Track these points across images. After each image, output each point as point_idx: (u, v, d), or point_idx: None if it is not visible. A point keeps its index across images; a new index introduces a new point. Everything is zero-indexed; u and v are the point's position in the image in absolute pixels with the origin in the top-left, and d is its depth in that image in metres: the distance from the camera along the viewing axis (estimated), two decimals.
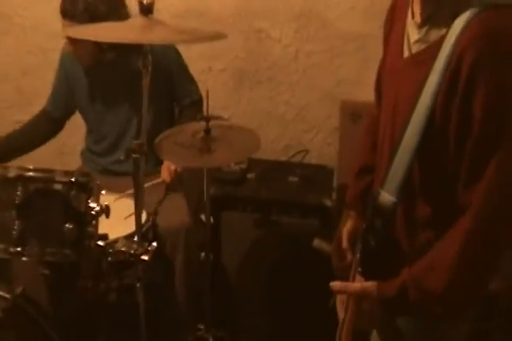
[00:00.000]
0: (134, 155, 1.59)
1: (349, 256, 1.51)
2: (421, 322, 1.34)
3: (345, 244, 1.54)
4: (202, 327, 2.17)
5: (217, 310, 2.24)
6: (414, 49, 1.23)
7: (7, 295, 1.65)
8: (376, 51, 1.47)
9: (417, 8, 1.24)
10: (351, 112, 2.52)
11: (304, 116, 2.78)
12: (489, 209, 1.11)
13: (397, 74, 1.30)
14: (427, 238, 1.27)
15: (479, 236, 1.13)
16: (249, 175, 2.54)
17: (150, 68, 1.50)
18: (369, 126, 1.59)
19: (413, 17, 1.25)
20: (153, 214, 1.99)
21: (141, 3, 1.46)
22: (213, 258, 2.14)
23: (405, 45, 1.28)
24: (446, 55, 1.12)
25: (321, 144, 2.80)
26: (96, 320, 1.92)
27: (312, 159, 2.77)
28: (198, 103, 2.35)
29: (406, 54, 1.27)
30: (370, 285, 1.28)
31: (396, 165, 1.25)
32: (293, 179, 2.51)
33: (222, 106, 2.77)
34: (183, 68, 2.35)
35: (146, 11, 1.47)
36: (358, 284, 1.32)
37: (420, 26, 1.21)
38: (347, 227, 1.58)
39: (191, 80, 2.39)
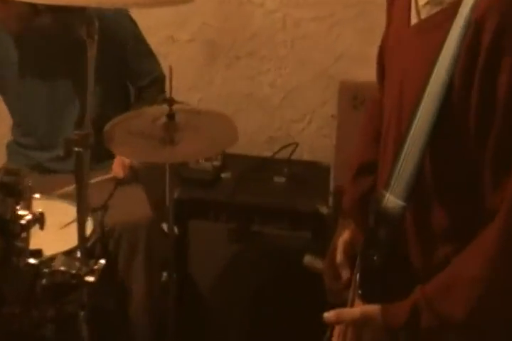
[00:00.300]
0: (75, 149, 1.61)
1: (345, 275, 1.53)
2: None
3: (340, 259, 1.56)
4: None
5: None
6: (424, 13, 1.26)
7: None
8: (383, 19, 1.49)
9: None
10: (352, 96, 2.53)
11: (293, 100, 2.81)
12: None
13: (404, 45, 1.32)
14: (445, 253, 1.28)
15: (510, 247, 1.15)
16: (224, 175, 2.56)
17: (96, 38, 1.53)
18: (371, 113, 1.62)
19: None
20: (101, 211, 2.07)
21: None
22: (178, 279, 2.16)
23: (413, 10, 1.30)
24: (463, 20, 1.13)
25: (315, 136, 2.83)
26: None
27: (303, 155, 2.80)
28: (158, 82, 2.38)
29: (414, 21, 1.29)
30: (372, 309, 1.30)
31: (404, 161, 1.27)
32: (279, 180, 2.53)
33: (189, 87, 2.80)
34: (140, 39, 2.37)
35: None
36: (358, 309, 1.33)
37: None
38: (343, 239, 1.59)
39: (150, 54, 2.41)
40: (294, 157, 2.73)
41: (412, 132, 1.24)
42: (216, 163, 2.55)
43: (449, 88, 1.17)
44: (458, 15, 1.15)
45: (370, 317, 1.30)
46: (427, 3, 1.25)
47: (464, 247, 1.22)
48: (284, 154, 2.75)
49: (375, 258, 1.35)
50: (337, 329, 1.47)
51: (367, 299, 1.34)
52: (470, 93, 1.15)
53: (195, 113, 2.02)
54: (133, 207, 2.29)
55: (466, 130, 1.18)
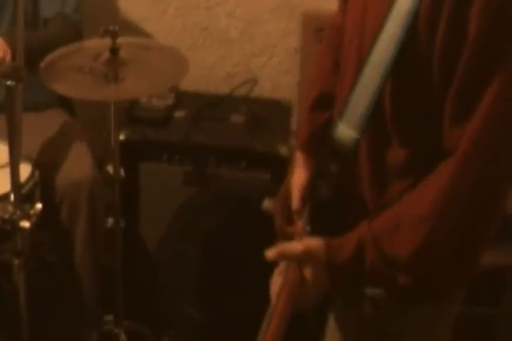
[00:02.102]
0: (7, 83, 1.61)
1: (300, 224, 1.53)
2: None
3: (296, 205, 1.56)
4: (111, 318, 2.30)
5: (133, 297, 2.35)
6: None
7: None
8: None
9: None
10: (316, 27, 2.50)
11: (252, 33, 2.78)
12: (482, 148, 1.14)
13: None
14: (397, 189, 1.31)
15: (465, 184, 1.16)
16: (178, 114, 2.55)
17: None
18: (330, 40, 1.62)
19: None
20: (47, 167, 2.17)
21: None
22: (126, 226, 2.21)
23: None
24: None
25: (276, 72, 2.82)
26: None
27: (263, 92, 2.80)
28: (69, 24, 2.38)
29: None
30: (316, 243, 1.31)
31: (361, 90, 1.28)
32: (237, 119, 2.53)
33: (138, 19, 2.74)
34: None
35: None
36: (300, 244, 1.35)
37: None
38: (299, 181, 1.59)
39: None
40: (253, 94, 2.75)
41: (372, 58, 1.26)
42: (169, 101, 2.54)
43: (415, 15, 1.18)
44: None
45: (313, 252, 1.32)
46: None
47: (417, 184, 1.27)
48: (242, 91, 2.76)
49: (323, 191, 1.39)
50: (280, 267, 1.49)
51: (316, 236, 1.37)
52: (438, 23, 1.15)
53: (142, 47, 2.03)
54: (73, 166, 2.33)
55: (430, 62, 1.19)
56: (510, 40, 1.12)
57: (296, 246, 1.37)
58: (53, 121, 2.55)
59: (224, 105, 2.64)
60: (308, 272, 1.34)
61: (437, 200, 1.21)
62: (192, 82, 2.56)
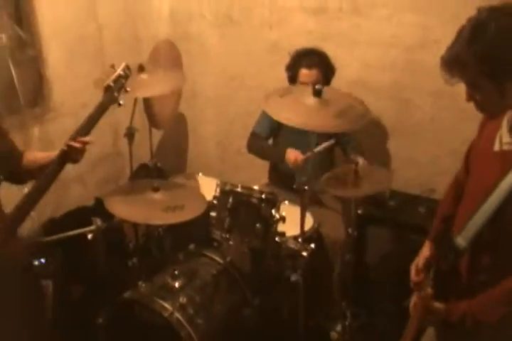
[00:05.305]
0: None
1: (422, 275, 2.08)
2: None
3: (420, 265, 2.12)
4: (344, 303, 3.31)
5: (356, 293, 3.24)
6: (505, 147, 1.77)
7: (221, 261, 3.14)
8: None
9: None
10: None
11: None
12: None
13: (486, 160, 1.85)
14: (482, 279, 1.87)
15: None
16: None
17: None
18: (455, 184, 2.19)
19: (508, 123, 1.81)
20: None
21: None
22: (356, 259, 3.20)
23: (497, 140, 1.80)
24: None
25: None
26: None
27: None
28: None
29: (496, 147, 1.79)
30: (440, 306, 1.88)
31: (475, 221, 1.77)
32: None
33: None
34: None
35: None
36: (441, 305, 1.89)
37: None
38: (424, 254, 2.17)
39: None
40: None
41: (480, 210, 1.77)
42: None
43: (505, 202, 1.71)
44: None
45: (437, 310, 1.89)
46: (507, 143, 1.76)
47: (495, 280, 1.79)
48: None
49: (443, 268, 1.91)
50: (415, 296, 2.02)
51: (435, 291, 1.90)
52: None
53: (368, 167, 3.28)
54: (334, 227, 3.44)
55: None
56: None
57: (439, 306, 1.88)
58: None
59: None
60: (430, 317, 1.91)
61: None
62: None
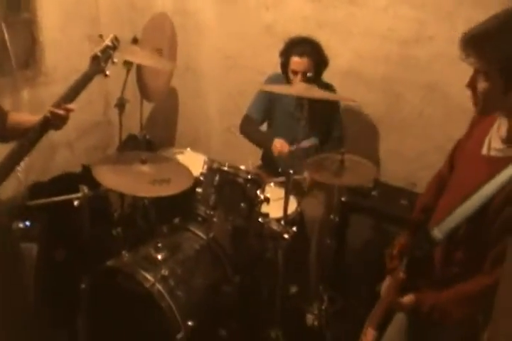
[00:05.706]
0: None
1: (396, 261, 2.12)
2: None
3: (395, 251, 2.17)
4: (321, 287, 3.42)
5: (334, 277, 3.33)
6: (493, 153, 1.78)
7: (204, 237, 3.19)
8: None
9: (504, 125, 1.77)
10: None
11: None
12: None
13: (472, 161, 1.86)
14: (454, 271, 1.92)
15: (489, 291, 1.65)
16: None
17: None
18: (437, 178, 2.22)
19: (498, 129, 1.80)
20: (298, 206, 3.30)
21: None
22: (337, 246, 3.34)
23: (486, 144, 1.81)
24: (510, 175, 1.65)
25: None
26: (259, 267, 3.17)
27: None
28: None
29: (484, 151, 1.80)
30: (410, 298, 1.95)
31: (454, 217, 1.80)
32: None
33: None
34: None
35: None
36: (409, 297, 1.96)
37: (504, 141, 1.75)
38: (400, 242, 2.19)
39: None
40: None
41: (462, 206, 1.79)
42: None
43: (486, 205, 1.73)
44: (510, 167, 1.67)
45: (407, 301, 1.96)
46: (496, 149, 1.78)
47: (465, 272, 1.85)
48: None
49: (417, 255, 1.95)
50: (388, 279, 2.12)
51: (407, 275, 1.95)
52: (497, 214, 1.73)
53: (357, 160, 3.32)
54: (315, 207, 3.52)
55: (490, 228, 1.76)
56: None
57: (407, 298, 1.94)
58: None
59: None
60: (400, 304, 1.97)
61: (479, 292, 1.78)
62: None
